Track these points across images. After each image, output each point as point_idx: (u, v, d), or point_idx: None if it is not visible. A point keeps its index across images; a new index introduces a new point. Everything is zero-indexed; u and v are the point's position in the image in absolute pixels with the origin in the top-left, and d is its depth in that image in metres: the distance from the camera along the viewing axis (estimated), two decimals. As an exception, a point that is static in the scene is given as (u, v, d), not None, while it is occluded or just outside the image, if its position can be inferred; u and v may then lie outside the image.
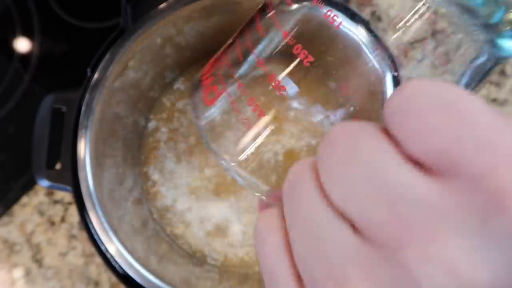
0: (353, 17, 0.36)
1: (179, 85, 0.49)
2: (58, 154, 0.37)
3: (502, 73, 0.51)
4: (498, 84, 0.51)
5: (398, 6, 0.24)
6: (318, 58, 0.43)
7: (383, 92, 0.36)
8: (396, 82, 0.36)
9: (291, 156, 0.26)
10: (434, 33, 0.22)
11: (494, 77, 0.51)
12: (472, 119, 0.12)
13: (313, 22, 0.37)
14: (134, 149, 0.46)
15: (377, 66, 0.37)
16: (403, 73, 0.47)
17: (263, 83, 0.25)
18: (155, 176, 0.47)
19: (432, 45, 0.22)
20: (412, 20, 0.22)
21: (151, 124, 0.48)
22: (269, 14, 0.26)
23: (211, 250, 0.45)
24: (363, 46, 0.37)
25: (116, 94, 0.39)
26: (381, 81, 0.36)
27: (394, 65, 0.37)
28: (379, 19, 0.23)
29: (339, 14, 0.36)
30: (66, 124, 0.37)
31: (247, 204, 0.46)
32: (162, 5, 0.38)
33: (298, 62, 0.24)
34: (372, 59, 0.37)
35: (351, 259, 0.13)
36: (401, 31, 0.23)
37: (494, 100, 0.50)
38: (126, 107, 0.42)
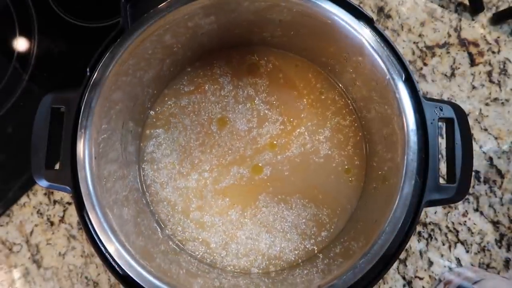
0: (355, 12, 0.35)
1: (179, 84, 0.49)
2: (57, 154, 0.37)
3: (504, 72, 0.51)
4: (499, 84, 0.50)
5: (411, 4, 0.23)
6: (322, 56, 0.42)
7: (396, 99, 0.36)
8: (411, 89, 0.36)
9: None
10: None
11: (495, 76, 0.51)
12: None
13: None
14: (134, 149, 0.46)
15: (384, 69, 0.37)
16: (420, 79, 0.46)
17: None
18: (156, 176, 0.47)
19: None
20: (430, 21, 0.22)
21: (151, 123, 0.48)
22: None
23: (207, 250, 0.45)
24: (367, 45, 0.37)
25: (115, 94, 0.39)
26: (391, 86, 0.36)
27: (405, 70, 0.36)
28: (388, 17, 0.22)
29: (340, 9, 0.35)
30: (65, 124, 0.37)
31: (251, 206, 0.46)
32: (162, 5, 0.37)
33: None
34: (379, 60, 0.37)
35: None
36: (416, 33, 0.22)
37: (495, 100, 0.50)
38: (126, 107, 0.42)
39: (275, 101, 0.48)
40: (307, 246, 0.45)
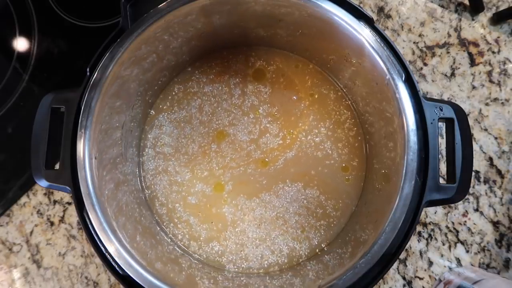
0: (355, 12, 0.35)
1: (180, 83, 0.49)
2: (57, 154, 0.37)
3: (504, 72, 0.51)
4: (499, 84, 0.50)
5: (411, 4, 0.23)
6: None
7: (396, 99, 0.36)
8: (411, 89, 0.36)
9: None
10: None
11: (495, 76, 0.51)
12: None
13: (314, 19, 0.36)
14: (134, 148, 0.46)
15: (384, 69, 0.37)
16: (420, 79, 0.45)
17: None
18: (155, 176, 0.47)
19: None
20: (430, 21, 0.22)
21: (151, 123, 0.48)
22: None
23: (206, 251, 0.45)
24: (367, 46, 0.37)
25: (116, 94, 0.39)
26: (391, 86, 0.36)
27: (405, 70, 0.36)
28: (388, 17, 0.22)
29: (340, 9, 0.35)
30: (65, 124, 0.37)
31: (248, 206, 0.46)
32: (162, 5, 0.38)
33: None
34: (379, 60, 0.37)
35: None
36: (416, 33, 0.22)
37: (495, 100, 0.50)
38: (126, 106, 0.42)
39: (276, 112, 0.48)
40: (308, 244, 0.45)
